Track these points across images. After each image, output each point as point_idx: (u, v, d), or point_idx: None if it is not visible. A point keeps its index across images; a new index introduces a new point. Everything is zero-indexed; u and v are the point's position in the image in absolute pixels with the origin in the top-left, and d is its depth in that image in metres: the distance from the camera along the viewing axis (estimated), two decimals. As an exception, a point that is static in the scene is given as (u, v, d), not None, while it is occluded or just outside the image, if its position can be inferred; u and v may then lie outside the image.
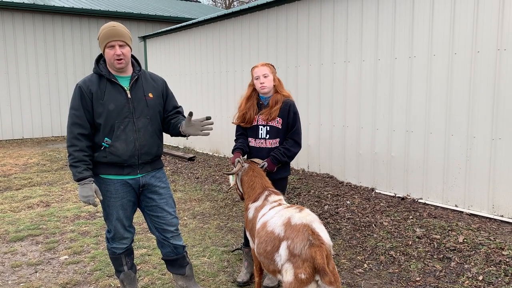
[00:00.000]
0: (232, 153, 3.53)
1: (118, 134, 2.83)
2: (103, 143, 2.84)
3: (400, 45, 5.64)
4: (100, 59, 2.95)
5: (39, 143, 12.57)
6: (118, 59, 2.80)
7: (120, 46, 2.79)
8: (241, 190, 3.36)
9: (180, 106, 3.21)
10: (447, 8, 5.09)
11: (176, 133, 3.07)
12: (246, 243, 3.62)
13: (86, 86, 2.82)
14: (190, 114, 2.88)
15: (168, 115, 3.12)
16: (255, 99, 3.55)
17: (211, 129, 2.96)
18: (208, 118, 2.95)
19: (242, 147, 3.53)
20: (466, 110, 5.01)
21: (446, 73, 5.16)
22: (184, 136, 3.01)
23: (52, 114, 13.71)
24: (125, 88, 2.88)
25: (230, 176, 3.52)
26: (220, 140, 9.57)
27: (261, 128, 3.48)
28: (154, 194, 3.04)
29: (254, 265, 3.25)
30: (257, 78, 3.47)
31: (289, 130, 3.47)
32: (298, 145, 3.50)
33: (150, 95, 2.97)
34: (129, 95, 2.88)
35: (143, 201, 3.07)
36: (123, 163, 2.88)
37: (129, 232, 3.09)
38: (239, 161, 3.36)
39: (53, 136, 13.76)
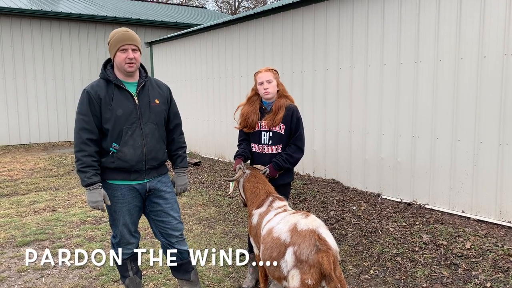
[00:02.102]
0: (234, 159, 3.52)
1: (126, 139, 2.84)
2: (111, 149, 2.84)
3: (406, 50, 5.62)
4: (107, 64, 2.97)
5: (46, 148, 12.65)
6: (129, 63, 2.82)
7: (133, 50, 2.83)
8: (244, 197, 3.35)
9: (179, 118, 3.23)
10: (453, 13, 5.08)
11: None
12: (251, 249, 3.60)
13: (94, 91, 2.82)
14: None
15: (169, 129, 3.14)
16: (258, 104, 3.55)
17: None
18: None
19: (244, 153, 3.51)
20: (473, 115, 4.98)
21: (453, 78, 5.14)
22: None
23: (59, 119, 13.81)
24: (133, 93, 2.90)
25: (231, 183, 3.52)
26: (226, 145, 9.58)
27: (264, 134, 3.47)
28: (159, 199, 3.04)
29: (259, 271, 3.24)
30: (260, 84, 3.46)
31: (292, 136, 3.46)
32: (301, 151, 3.48)
33: (157, 101, 2.99)
34: (136, 101, 2.89)
35: (148, 206, 3.07)
36: (130, 168, 2.88)
37: (135, 237, 3.09)
38: (240, 168, 3.35)
39: (59, 141, 13.85)
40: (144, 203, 3.06)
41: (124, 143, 2.84)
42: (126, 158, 2.85)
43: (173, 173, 3.23)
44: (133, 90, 2.92)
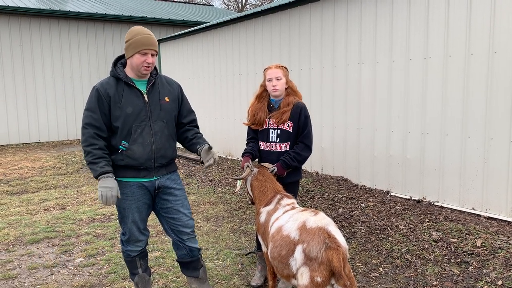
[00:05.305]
0: (242, 157, 3.51)
1: (135, 137, 2.85)
2: (120, 146, 2.85)
3: (415, 46, 5.57)
4: (117, 62, 2.97)
5: (55, 147, 12.75)
6: (147, 67, 2.83)
7: (152, 55, 2.84)
8: (251, 195, 3.34)
9: (194, 114, 3.23)
10: (463, 8, 5.02)
11: (191, 151, 3.18)
12: (259, 246, 3.60)
13: (103, 89, 2.83)
14: (210, 148, 2.97)
15: (183, 123, 3.14)
16: (266, 101, 3.54)
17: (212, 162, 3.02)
18: (210, 148, 3.01)
19: (252, 151, 3.50)
20: (483, 111, 4.92)
21: (462, 74, 5.08)
22: (200, 161, 3.07)
23: (68, 118, 13.92)
24: (143, 91, 2.90)
25: (238, 181, 3.51)
26: (233, 142, 9.58)
27: (272, 132, 3.46)
28: (169, 196, 3.05)
29: (267, 269, 3.23)
30: (269, 80, 3.44)
31: (300, 134, 3.44)
32: (309, 149, 3.45)
33: (166, 99, 2.99)
34: (146, 99, 2.90)
35: (158, 203, 3.08)
36: (139, 166, 2.89)
37: (144, 234, 3.10)
38: (248, 166, 3.33)
39: (68, 140, 13.95)
40: (154, 200, 3.07)
41: (133, 141, 2.85)
42: (135, 156, 2.86)
43: (201, 151, 3.04)
44: (143, 88, 2.92)
